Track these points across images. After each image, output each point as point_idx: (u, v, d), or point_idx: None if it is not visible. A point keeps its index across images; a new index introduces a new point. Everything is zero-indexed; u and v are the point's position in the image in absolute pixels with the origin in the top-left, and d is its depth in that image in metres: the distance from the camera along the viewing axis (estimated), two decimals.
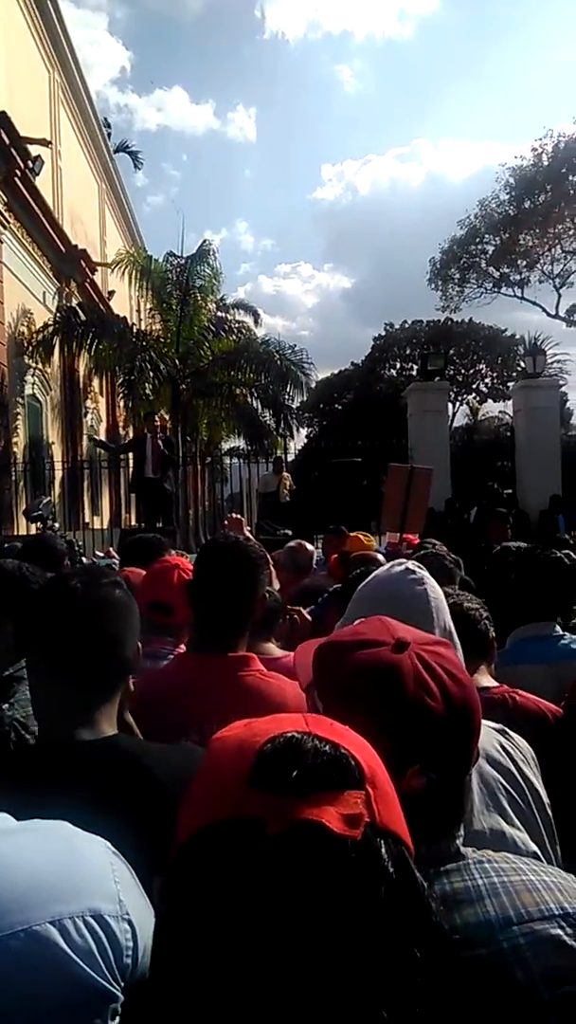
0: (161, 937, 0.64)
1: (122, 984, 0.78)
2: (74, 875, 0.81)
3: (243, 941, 0.54)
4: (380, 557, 3.83)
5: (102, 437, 20.94)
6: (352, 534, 5.27)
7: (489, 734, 1.45)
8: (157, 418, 11.96)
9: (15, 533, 11.54)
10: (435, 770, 0.91)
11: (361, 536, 5.15)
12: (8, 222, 13.59)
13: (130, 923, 0.81)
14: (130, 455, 12.30)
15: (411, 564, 1.49)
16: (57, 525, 10.85)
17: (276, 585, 3.02)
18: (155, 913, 0.83)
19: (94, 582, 1.33)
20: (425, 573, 1.47)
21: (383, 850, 0.58)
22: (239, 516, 9.14)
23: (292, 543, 4.93)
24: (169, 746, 1.33)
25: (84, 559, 6.42)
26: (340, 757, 0.61)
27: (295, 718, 0.66)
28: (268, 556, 2.20)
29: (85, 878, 0.81)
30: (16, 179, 13.47)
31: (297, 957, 0.53)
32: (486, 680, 1.91)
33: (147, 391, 16.09)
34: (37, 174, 14.21)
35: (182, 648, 2.37)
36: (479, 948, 0.81)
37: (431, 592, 1.43)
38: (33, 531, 10.59)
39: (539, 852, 1.30)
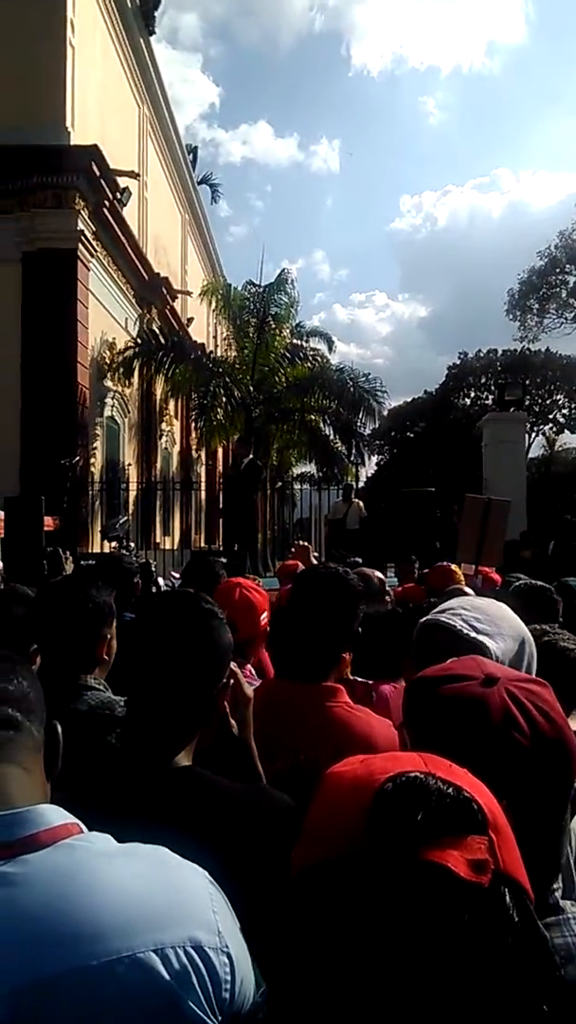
0: (279, 969, 0.63)
1: (219, 1017, 0.77)
2: (174, 903, 0.80)
3: (362, 980, 0.53)
4: (469, 591, 3.74)
5: (175, 458, 21.38)
6: (440, 565, 5.17)
7: None
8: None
9: (90, 550, 11.82)
10: (527, 809, 0.88)
11: (448, 567, 5.04)
12: (95, 251, 14.10)
13: (229, 955, 0.80)
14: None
15: None
16: (133, 545, 11.06)
17: None
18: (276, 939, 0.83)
19: (189, 615, 1.34)
20: None
21: (507, 898, 0.56)
22: (305, 543, 9.15)
23: (359, 570, 4.87)
24: (244, 785, 1.33)
25: (160, 579, 6.53)
26: (464, 800, 0.60)
27: (412, 757, 0.65)
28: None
29: (185, 906, 0.81)
30: (105, 209, 14.01)
31: (419, 1004, 0.52)
32: None
33: (219, 415, 16.33)
34: (124, 205, 14.74)
35: (248, 668, 2.38)
36: None
37: None
38: (108, 549, 10.83)
39: None
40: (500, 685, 0.96)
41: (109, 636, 1.98)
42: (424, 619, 1.52)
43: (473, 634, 1.39)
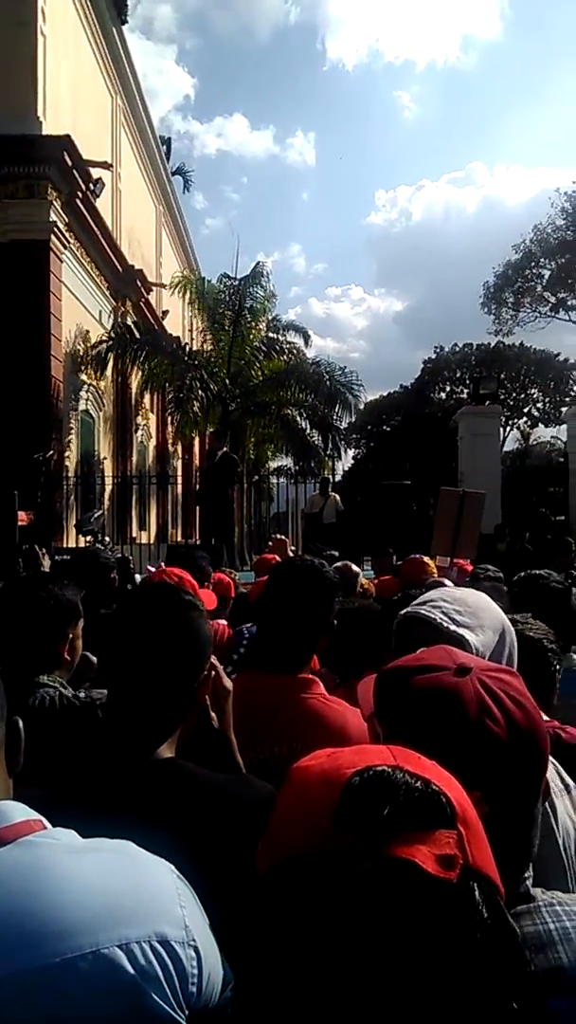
0: (244, 968, 0.62)
1: (186, 1012, 0.76)
2: (141, 898, 0.79)
3: (327, 980, 0.52)
4: (448, 583, 3.77)
5: (151, 452, 21.28)
6: (414, 558, 5.19)
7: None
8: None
9: (64, 545, 11.71)
10: (500, 800, 0.88)
11: (422, 560, 5.06)
12: (68, 242, 13.93)
13: (196, 950, 0.79)
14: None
15: None
16: (108, 539, 10.98)
17: None
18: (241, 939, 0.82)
19: (169, 607, 1.33)
20: None
21: (476, 893, 0.55)
22: (282, 536, 9.14)
23: (338, 564, 4.89)
24: (228, 775, 1.32)
25: (137, 575, 6.48)
26: (432, 794, 0.59)
27: (381, 750, 0.64)
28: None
29: (152, 901, 0.80)
30: (78, 200, 13.84)
31: (388, 1003, 0.51)
32: None
33: (195, 408, 16.26)
34: (98, 196, 14.57)
35: None
36: (551, 997, 0.77)
37: None
38: (83, 544, 10.74)
39: None
40: (473, 675, 0.95)
41: (72, 636, 1.95)
42: (404, 611, 1.51)
43: (453, 627, 1.37)
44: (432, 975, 0.51)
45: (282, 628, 1.88)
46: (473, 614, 1.43)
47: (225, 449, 11.34)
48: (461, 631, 1.37)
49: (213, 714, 1.43)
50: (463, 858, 0.56)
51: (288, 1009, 0.54)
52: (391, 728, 0.98)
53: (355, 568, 4.81)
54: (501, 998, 0.53)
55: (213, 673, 1.39)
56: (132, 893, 0.79)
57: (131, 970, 0.73)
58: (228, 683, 1.48)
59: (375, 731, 1.07)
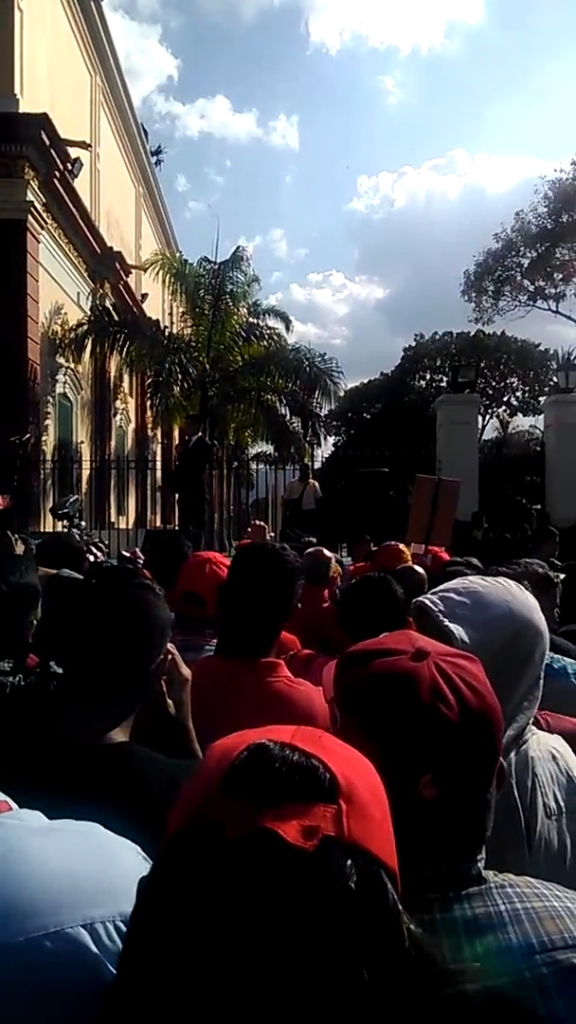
0: (131, 937, 0.63)
1: None
2: (106, 878, 0.81)
3: (198, 945, 0.54)
4: (420, 570, 3.79)
5: (130, 437, 21.12)
6: (388, 545, 5.20)
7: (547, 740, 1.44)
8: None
9: (41, 530, 11.63)
10: (452, 783, 0.89)
11: (396, 547, 5.08)
12: (46, 222, 13.75)
13: None
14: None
15: None
16: (84, 524, 10.92)
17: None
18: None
19: (119, 588, 1.32)
20: None
21: (346, 867, 0.56)
22: (261, 523, 9.13)
23: (310, 550, 4.90)
24: (177, 760, 1.32)
25: (111, 560, 6.45)
26: (310, 768, 0.60)
27: (285, 730, 0.65)
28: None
29: (116, 881, 0.80)
30: (55, 180, 13.66)
31: (246, 964, 0.52)
32: None
33: (175, 392, 16.15)
34: (76, 176, 14.38)
35: None
36: (501, 978, 0.78)
37: None
38: (60, 528, 10.68)
39: None
40: (430, 660, 0.96)
41: (35, 620, 1.95)
42: (417, 598, 1.47)
43: (445, 621, 1.31)
44: (292, 944, 0.52)
45: (245, 612, 1.90)
46: (480, 608, 1.35)
47: (199, 435, 11.31)
48: (451, 625, 1.30)
49: (170, 700, 1.42)
50: (336, 831, 0.57)
51: (165, 982, 0.55)
52: (347, 711, 0.99)
53: (327, 553, 4.82)
54: (354, 967, 0.54)
55: (170, 657, 1.38)
56: (97, 874, 0.81)
57: (95, 949, 0.74)
58: (185, 670, 1.47)
59: (335, 715, 1.07)
